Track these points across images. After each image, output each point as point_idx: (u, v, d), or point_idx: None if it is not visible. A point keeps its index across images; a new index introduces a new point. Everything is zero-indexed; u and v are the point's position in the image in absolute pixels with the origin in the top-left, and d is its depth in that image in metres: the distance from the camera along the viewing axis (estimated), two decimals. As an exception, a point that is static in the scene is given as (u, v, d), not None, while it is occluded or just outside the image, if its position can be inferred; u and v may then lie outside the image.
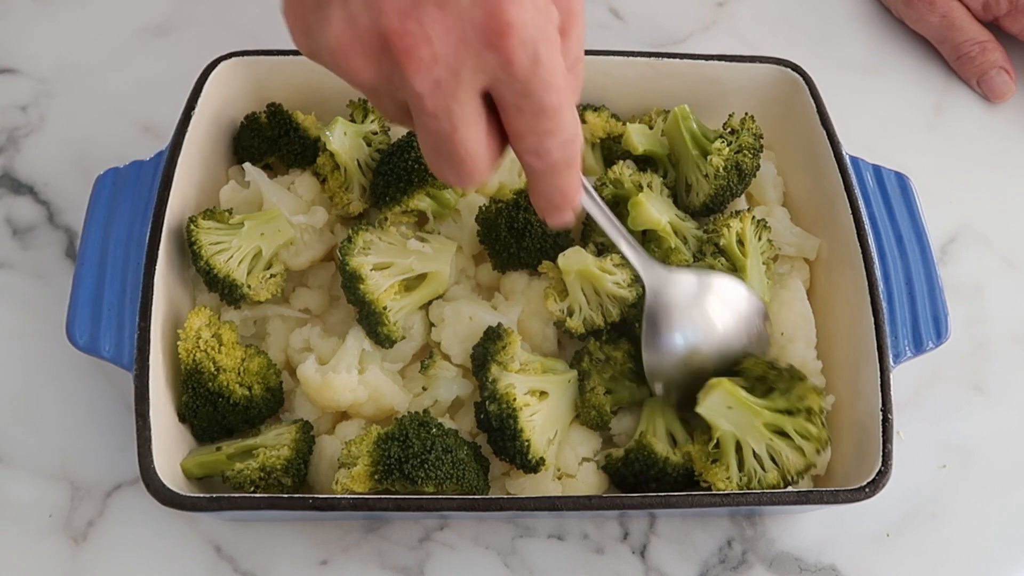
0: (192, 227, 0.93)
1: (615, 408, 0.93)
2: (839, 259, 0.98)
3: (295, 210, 0.99)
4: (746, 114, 1.02)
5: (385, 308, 0.92)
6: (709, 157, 0.98)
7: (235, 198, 1.01)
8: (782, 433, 0.87)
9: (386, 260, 0.94)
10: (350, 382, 0.90)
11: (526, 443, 0.86)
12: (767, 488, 0.86)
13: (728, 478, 0.87)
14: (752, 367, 0.90)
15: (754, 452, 0.87)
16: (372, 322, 0.92)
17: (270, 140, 1.04)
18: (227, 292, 0.94)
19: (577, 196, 0.72)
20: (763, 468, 0.87)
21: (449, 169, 0.68)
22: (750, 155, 1.00)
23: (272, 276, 0.96)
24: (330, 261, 1.02)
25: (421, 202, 0.98)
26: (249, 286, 0.94)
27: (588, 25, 1.29)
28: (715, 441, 0.88)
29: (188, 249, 0.93)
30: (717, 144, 0.99)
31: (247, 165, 1.01)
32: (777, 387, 0.88)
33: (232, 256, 0.94)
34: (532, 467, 0.87)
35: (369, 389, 0.91)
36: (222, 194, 1.02)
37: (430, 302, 0.98)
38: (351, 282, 0.92)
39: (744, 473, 0.87)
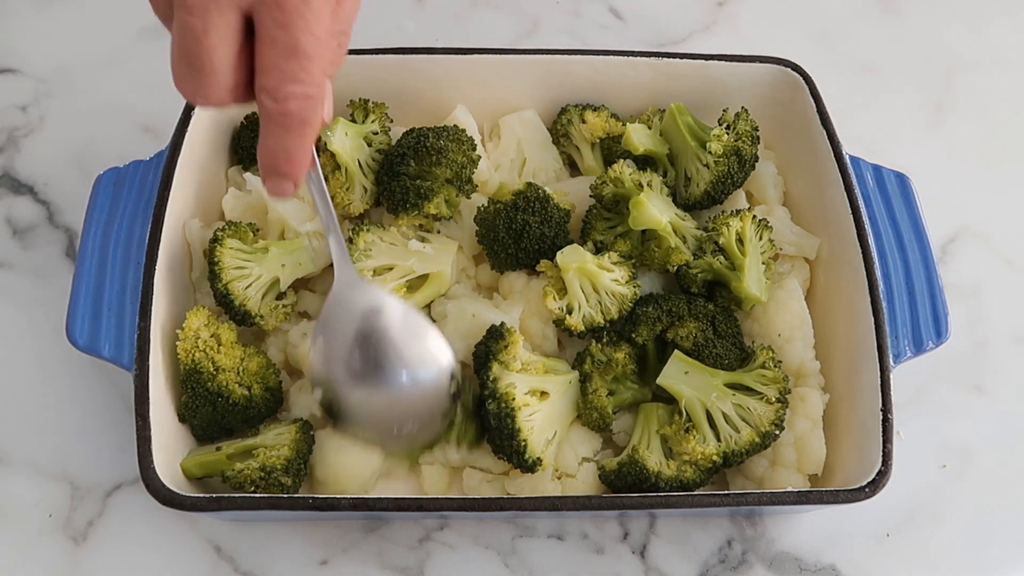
0: (216, 246, 0.92)
1: (616, 409, 0.94)
2: (839, 259, 0.98)
3: (301, 218, 0.98)
4: (741, 108, 1.02)
5: None
6: (708, 144, 0.99)
7: (238, 205, 1.00)
8: (744, 388, 0.90)
9: (388, 263, 0.94)
10: None
11: (523, 443, 0.86)
12: (744, 448, 0.88)
13: (705, 443, 0.88)
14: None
15: (724, 415, 0.89)
16: None
17: (270, 140, 1.03)
18: (238, 318, 0.93)
19: (302, 167, 0.68)
20: (736, 429, 0.88)
21: (188, 73, 0.64)
22: (748, 142, 1.00)
23: (284, 306, 0.96)
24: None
25: (439, 207, 0.98)
26: (261, 316, 0.94)
27: (588, 25, 1.30)
28: (684, 413, 0.89)
29: (208, 267, 0.92)
30: (716, 131, 1.00)
31: (248, 175, 1.01)
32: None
33: (251, 285, 0.93)
34: (529, 467, 0.87)
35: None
36: (225, 203, 1.01)
37: (431, 300, 0.98)
38: None
39: (721, 440, 0.88)
